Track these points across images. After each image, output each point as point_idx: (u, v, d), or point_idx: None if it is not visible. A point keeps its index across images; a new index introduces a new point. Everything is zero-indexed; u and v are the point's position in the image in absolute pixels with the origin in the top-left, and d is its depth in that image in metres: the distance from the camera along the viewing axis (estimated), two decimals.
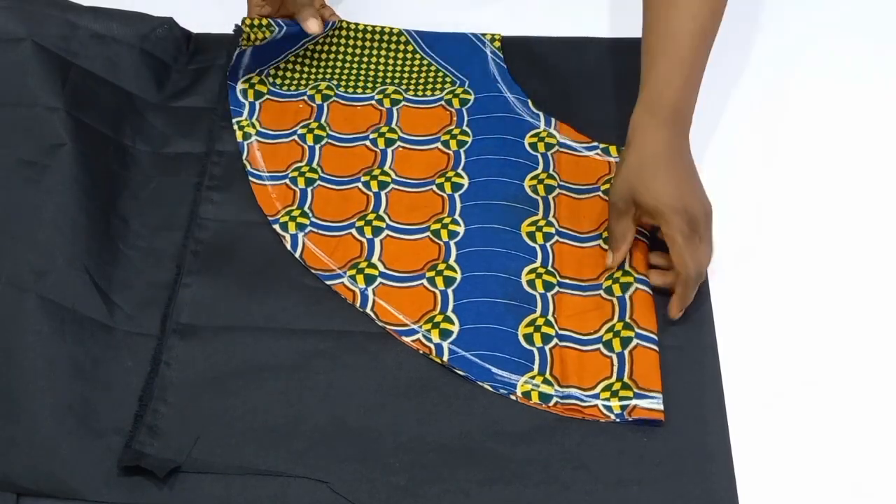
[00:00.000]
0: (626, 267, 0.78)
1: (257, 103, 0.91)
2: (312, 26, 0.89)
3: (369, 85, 0.92)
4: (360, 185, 0.85)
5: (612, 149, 0.86)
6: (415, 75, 0.93)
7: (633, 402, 0.71)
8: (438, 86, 0.92)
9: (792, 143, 0.87)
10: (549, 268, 0.79)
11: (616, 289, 0.77)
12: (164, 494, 0.69)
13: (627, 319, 0.75)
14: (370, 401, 0.73)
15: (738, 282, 0.78)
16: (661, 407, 0.71)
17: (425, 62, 0.93)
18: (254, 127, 0.89)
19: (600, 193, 0.83)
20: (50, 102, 0.84)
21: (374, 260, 0.80)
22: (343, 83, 0.92)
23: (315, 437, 0.71)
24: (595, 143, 0.86)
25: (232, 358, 0.75)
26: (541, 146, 0.86)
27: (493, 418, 0.72)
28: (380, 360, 0.75)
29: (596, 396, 0.72)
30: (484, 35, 0.94)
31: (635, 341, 0.74)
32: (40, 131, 0.83)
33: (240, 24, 0.88)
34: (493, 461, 0.70)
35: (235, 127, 0.89)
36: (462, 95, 0.91)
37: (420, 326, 0.76)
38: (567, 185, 0.84)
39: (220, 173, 0.86)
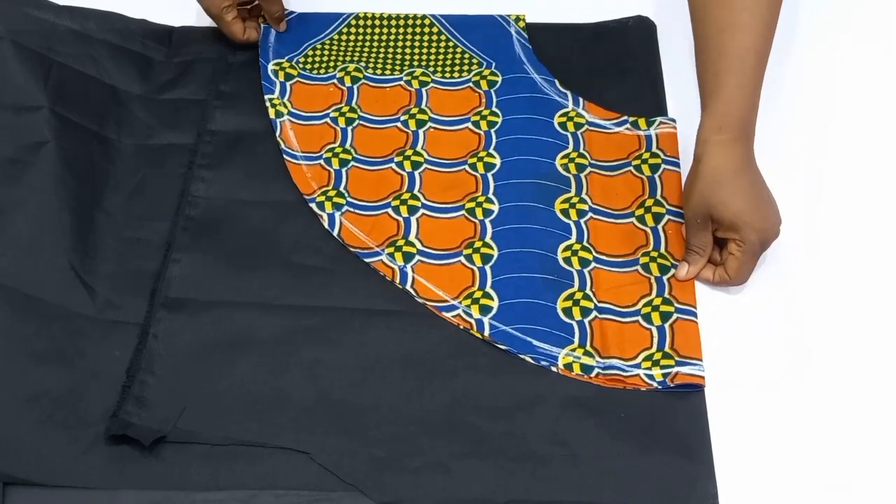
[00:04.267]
0: (663, 251, 0.79)
1: (288, 84, 0.92)
2: (283, 27, 0.95)
3: (397, 67, 0.93)
4: (393, 165, 0.86)
5: (642, 122, 0.87)
6: (441, 57, 0.94)
7: (675, 368, 0.72)
8: (466, 68, 0.93)
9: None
10: (585, 244, 0.80)
11: (654, 268, 0.78)
12: (152, 479, 0.69)
13: (666, 295, 0.76)
14: (353, 375, 0.74)
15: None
16: (703, 373, 0.72)
17: (451, 44, 0.95)
18: (286, 107, 0.90)
19: (631, 169, 0.84)
20: (32, 101, 0.85)
21: (412, 238, 0.81)
22: (371, 65, 0.93)
23: (298, 410, 0.72)
24: (624, 118, 0.88)
25: (219, 332, 0.76)
26: (570, 125, 0.88)
27: (474, 393, 0.73)
28: (364, 336, 0.76)
29: (637, 366, 0.73)
30: (509, 16, 0.96)
31: (675, 315, 0.75)
32: (23, 130, 0.84)
33: None
34: (473, 435, 0.71)
35: (268, 104, 0.90)
36: (489, 77, 0.92)
37: (460, 302, 0.77)
38: (598, 163, 0.85)
39: (212, 152, 0.87)
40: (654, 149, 0.85)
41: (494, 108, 0.89)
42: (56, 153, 0.83)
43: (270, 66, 0.92)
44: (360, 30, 0.96)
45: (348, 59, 0.94)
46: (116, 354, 0.75)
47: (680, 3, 0.88)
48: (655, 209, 0.82)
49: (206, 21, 0.95)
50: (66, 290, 0.77)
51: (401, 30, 0.95)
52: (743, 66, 0.74)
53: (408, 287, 0.78)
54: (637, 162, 0.85)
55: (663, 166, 0.84)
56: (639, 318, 0.76)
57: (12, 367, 0.73)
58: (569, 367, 0.74)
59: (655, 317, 0.76)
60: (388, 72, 0.93)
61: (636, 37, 0.94)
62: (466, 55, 0.94)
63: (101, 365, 0.75)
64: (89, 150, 0.86)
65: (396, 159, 0.86)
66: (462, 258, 0.80)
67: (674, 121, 0.87)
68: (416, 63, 0.93)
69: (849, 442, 0.70)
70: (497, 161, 0.86)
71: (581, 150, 0.86)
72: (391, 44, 0.95)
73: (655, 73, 0.91)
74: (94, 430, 0.71)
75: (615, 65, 0.92)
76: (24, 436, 0.70)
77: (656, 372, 0.73)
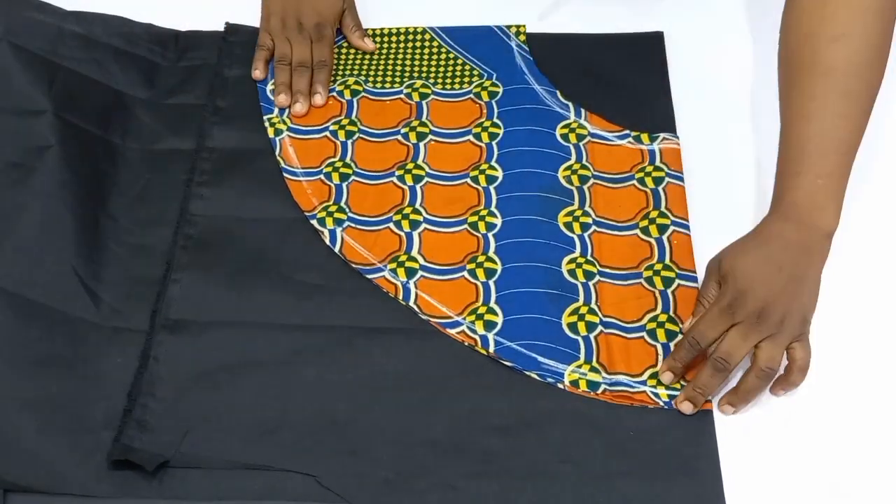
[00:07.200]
0: (667, 261, 0.79)
1: None
2: (369, 45, 0.95)
3: (397, 80, 0.93)
4: (394, 179, 0.85)
5: (644, 136, 0.86)
6: (441, 69, 0.93)
7: (681, 391, 0.72)
8: (466, 79, 0.92)
9: None
10: (589, 257, 0.79)
11: (658, 281, 0.78)
12: (153, 488, 0.69)
13: (671, 313, 0.76)
14: (358, 395, 0.73)
15: None
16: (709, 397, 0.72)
17: (451, 55, 0.94)
18: (285, 123, 0.89)
19: (635, 182, 0.84)
20: (36, 105, 0.85)
21: (414, 253, 0.80)
22: (371, 78, 0.93)
23: (303, 432, 0.71)
24: (627, 132, 0.87)
25: (220, 353, 0.75)
26: (572, 137, 0.87)
27: (480, 412, 0.72)
28: (368, 355, 0.75)
29: (644, 383, 0.73)
30: (508, 27, 0.95)
31: (680, 336, 0.74)
32: (26, 134, 0.83)
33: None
34: (480, 455, 0.70)
35: (267, 124, 0.89)
36: (490, 88, 0.91)
37: (464, 318, 0.77)
38: (601, 174, 0.85)
39: (210, 169, 0.86)
40: (657, 162, 0.84)
41: (496, 120, 0.89)
42: (60, 157, 0.82)
43: (269, 87, 0.92)
44: None
45: (347, 72, 0.93)
46: (119, 361, 0.75)
47: (690, 18, 0.88)
48: (660, 220, 0.81)
49: (210, 25, 0.94)
50: (70, 295, 0.77)
51: (400, 44, 0.95)
52: (795, 158, 0.74)
53: (411, 303, 0.78)
54: (640, 175, 0.84)
55: (667, 179, 0.83)
56: (644, 334, 0.75)
57: (14, 373, 0.73)
58: (575, 383, 0.73)
59: (661, 334, 0.75)
60: (388, 85, 0.92)
61: (644, 50, 0.93)
62: (467, 67, 0.93)
63: (104, 371, 0.74)
64: (93, 155, 0.85)
65: (397, 173, 0.86)
66: (465, 273, 0.79)
67: (677, 137, 0.86)
68: (416, 75, 0.93)
69: (864, 463, 0.69)
70: (499, 174, 0.85)
71: (584, 162, 0.85)
72: (391, 57, 0.94)
73: (662, 87, 0.90)
74: (96, 437, 0.71)
75: (619, 77, 0.91)
76: (26, 442, 0.70)
77: (662, 391, 0.72)
